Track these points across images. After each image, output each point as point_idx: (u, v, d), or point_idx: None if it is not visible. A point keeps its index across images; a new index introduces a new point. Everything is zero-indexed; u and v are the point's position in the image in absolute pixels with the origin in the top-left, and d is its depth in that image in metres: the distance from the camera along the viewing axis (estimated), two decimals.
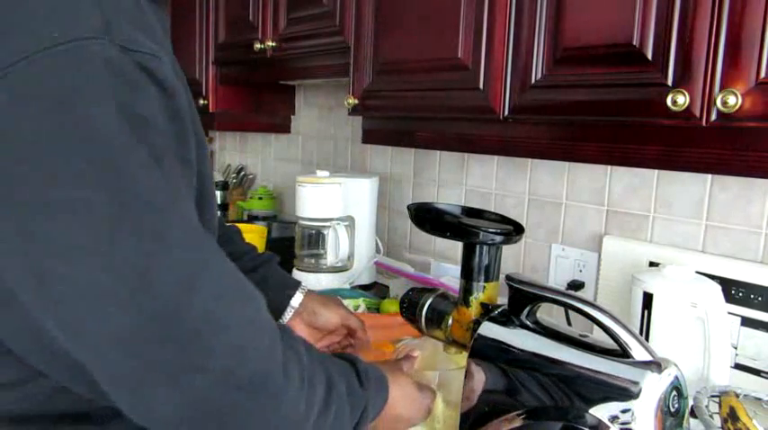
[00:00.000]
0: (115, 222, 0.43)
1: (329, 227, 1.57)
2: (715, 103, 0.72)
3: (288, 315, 0.94)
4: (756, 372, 0.99)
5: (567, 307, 0.74)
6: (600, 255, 1.20)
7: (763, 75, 0.69)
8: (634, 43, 0.80)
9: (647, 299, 0.94)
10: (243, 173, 2.44)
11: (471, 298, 0.81)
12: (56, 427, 0.56)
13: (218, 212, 1.02)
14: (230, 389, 0.48)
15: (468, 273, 0.81)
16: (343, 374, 0.63)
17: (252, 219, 2.11)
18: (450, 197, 1.56)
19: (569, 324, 1.11)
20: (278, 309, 0.93)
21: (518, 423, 0.71)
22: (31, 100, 0.42)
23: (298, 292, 0.95)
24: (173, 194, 0.47)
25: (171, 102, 0.50)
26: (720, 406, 0.77)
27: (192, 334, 0.46)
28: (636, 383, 0.64)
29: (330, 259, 1.58)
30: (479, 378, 0.76)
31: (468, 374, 0.77)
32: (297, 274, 1.60)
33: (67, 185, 0.42)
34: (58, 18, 0.43)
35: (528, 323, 0.75)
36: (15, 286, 0.45)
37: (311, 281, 1.56)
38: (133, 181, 0.44)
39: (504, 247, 0.83)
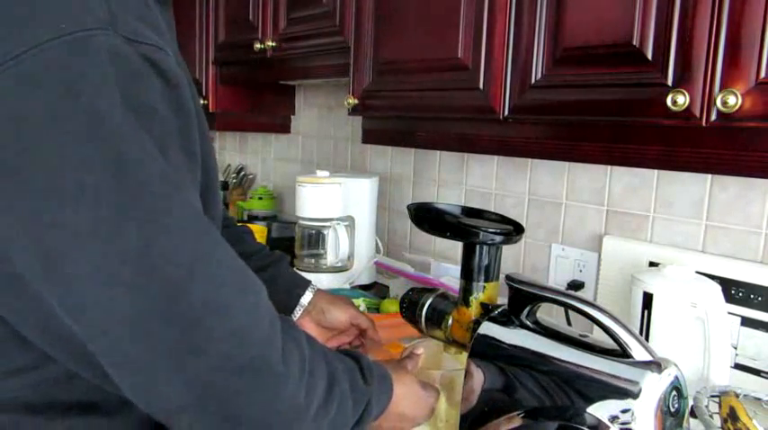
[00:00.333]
0: (119, 207, 0.44)
1: (329, 227, 1.57)
2: (715, 103, 0.72)
3: (297, 313, 0.95)
4: (756, 372, 0.99)
5: (567, 307, 0.74)
6: (600, 255, 1.20)
7: (763, 75, 0.69)
8: (634, 43, 0.80)
9: (647, 299, 0.94)
10: (243, 173, 2.44)
11: (471, 298, 0.81)
12: (64, 416, 0.57)
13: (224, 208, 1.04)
14: (231, 374, 0.49)
15: (468, 273, 0.81)
16: (347, 370, 0.63)
17: (252, 219, 2.11)
18: (450, 197, 1.56)
19: (569, 324, 1.11)
20: (288, 307, 0.95)
21: (518, 422, 0.71)
22: (39, 88, 0.43)
23: (307, 291, 0.96)
24: (176, 182, 0.48)
25: (175, 93, 0.51)
26: (720, 406, 0.77)
27: (193, 317, 0.47)
28: (636, 383, 0.64)
29: (330, 259, 1.58)
30: (479, 378, 0.76)
31: (467, 374, 0.77)
32: None
33: (73, 170, 0.43)
34: (66, 10, 0.45)
35: (528, 323, 0.75)
36: (23, 268, 0.45)
37: (311, 280, 1.56)
38: (136, 167, 0.45)
39: (504, 247, 0.83)
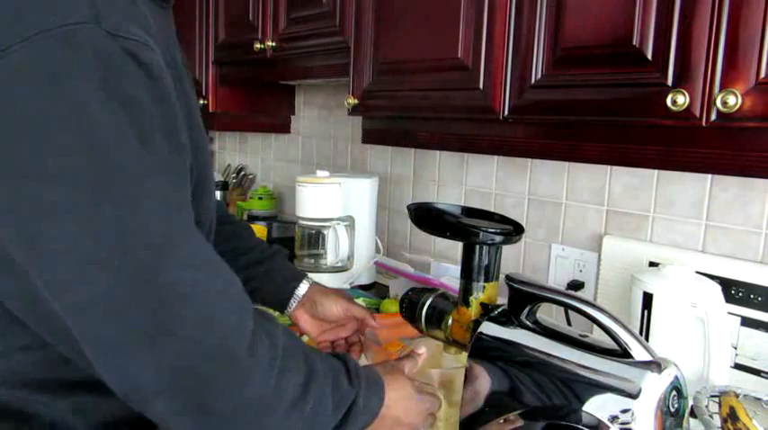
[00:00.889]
0: (95, 189, 0.47)
1: (329, 227, 1.57)
2: (715, 103, 0.72)
3: (293, 305, 0.96)
4: (756, 372, 0.99)
5: (567, 307, 0.74)
6: (600, 255, 1.20)
7: (762, 75, 0.69)
8: (634, 43, 0.80)
9: (647, 299, 0.94)
10: (243, 173, 2.44)
11: (471, 298, 0.81)
12: (70, 394, 0.58)
13: (223, 205, 1.05)
14: (199, 360, 0.51)
15: (468, 273, 0.81)
16: (329, 370, 0.63)
17: (252, 219, 2.11)
18: (450, 197, 1.56)
19: (569, 324, 1.11)
20: (283, 299, 0.96)
21: (517, 422, 0.71)
22: (27, 77, 0.46)
23: (302, 283, 0.97)
24: (153, 168, 0.51)
25: (157, 85, 0.53)
26: (720, 406, 0.77)
27: (162, 298, 0.49)
28: (636, 383, 0.64)
29: (330, 259, 1.58)
30: (479, 378, 0.76)
31: (467, 374, 0.77)
32: None
33: (53, 154, 0.46)
34: (54, 7, 0.48)
35: (528, 323, 0.75)
36: (10, 248, 0.48)
37: None
38: (114, 152, 0.48)
39: (504, 247, 0.83)
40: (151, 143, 0.51)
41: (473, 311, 0.81)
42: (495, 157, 1.44)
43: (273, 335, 0.58)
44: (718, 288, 0.93)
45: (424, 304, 0.87)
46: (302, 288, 0.96)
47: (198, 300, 0.51)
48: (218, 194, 2.26)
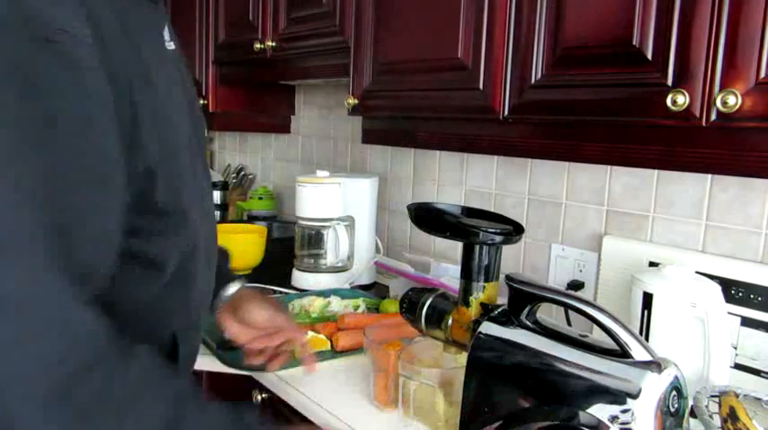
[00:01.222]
0: None
1: (329, 227, 1.57)
2: (715, 103, 0.72)
3: (218, 306, 0.94)
4: (756, 372, 0.99)
5: (567, 307, 0.74)
6: (600, 255, 1.20)
7: (762, 75, 0.69)
8: (634, 43, 0.80)
9: (647, 299, 0.94)
10: (243, 173, 2.44)
11: (471, 298, 0.81)
12: None
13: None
14: (13, 384, 0.45)
15: (467, 273, 0.81)
16: (209, 422, 0.56)
17: (252, 219, 2.11)
18: (450, 197, 1.56)
19: (569, 324, 1.11)
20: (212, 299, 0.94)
21: (518, 423, 0.71)
22: None
23: (231, 286, 0.95)
24: (28, 163, 0.47)
25: (75, 79, 0.51)
26: (720, 406, 0.77)
27: None
28: (636, 383, 0.64)
29: (330, 259, 1.58)
30: (479, 378, 0.76)
31: (467, 374, 0.77)
32: (297, 274, 1.60)
33: None
34: None
35: (528, 323, 0.75)
36: None
37: (311, 281, 1.56)
38: None
39: (504, 247, 0.83)
40: (42, 138, 0.48)
41: (473, 311, 0.81)
42: (495, 157, 1.44)
43: (125, 373, 0.51)
44: (718, 288, 0.93)
45: (424, 304, 0.87)
46: (229, 290, 0.93)
47: (18, 321, 0.45)
48: (217, 194, 2.26)
